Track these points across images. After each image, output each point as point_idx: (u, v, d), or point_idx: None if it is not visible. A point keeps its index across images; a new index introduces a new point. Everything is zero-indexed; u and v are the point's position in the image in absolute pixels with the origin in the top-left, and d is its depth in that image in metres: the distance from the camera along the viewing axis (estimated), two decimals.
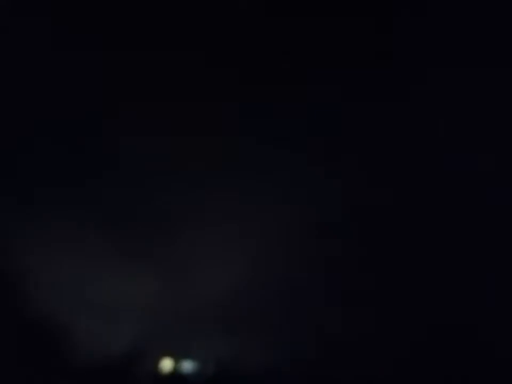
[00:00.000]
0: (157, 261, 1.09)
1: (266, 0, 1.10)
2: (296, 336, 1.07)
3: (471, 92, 1.08)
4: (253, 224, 1.09)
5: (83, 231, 1.09)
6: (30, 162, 1.11)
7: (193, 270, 1.09)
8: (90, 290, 1.08)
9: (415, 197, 1.09)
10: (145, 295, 1.07)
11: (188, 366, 1.04)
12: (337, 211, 1.09)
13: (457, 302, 1.06)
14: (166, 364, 1.05)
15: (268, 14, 1.10)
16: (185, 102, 1.11)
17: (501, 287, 1.06)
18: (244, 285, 1.07)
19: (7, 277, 1.09)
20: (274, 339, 1.06)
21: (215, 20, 1.10)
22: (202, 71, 1.10)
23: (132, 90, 1.10)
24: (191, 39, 1.11)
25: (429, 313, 1.07)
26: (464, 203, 1.08)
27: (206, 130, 1.10)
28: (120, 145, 1.11)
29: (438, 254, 1.08)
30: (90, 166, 1.11)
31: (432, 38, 1.09)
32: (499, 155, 1.08)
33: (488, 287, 1.06)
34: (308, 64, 1.10)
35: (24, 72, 1.12)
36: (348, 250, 1.08)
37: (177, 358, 1.05)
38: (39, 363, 1.06)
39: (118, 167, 1.11)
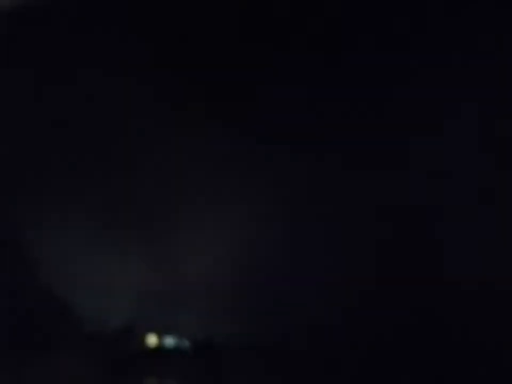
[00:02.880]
0: (148, 243, 1.14)
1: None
2: (283, 315, 1.11)
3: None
4: (243, 207, 1.12)
5: (78, 215, 1.14)
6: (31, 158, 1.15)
7: (182, 251, 1.14)
8: (85, 269, 1.14)
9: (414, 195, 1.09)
10: (136, 275, 1.13)
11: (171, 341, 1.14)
12: (324, 204, 1.11)
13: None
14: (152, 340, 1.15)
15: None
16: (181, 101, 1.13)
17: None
18: (232, 266, 1.12)
19: (9, 252, 1.16)
20: (260, 317, 1.11)
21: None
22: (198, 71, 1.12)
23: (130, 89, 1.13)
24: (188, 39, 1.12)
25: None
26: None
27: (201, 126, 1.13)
28: (116, 140, 1.14)
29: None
30: (85, 158, 1.15)
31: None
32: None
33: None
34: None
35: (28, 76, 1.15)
36: (335, 237, 1.10)
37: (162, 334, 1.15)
38: (39, 333, 1.14)
39: (111, 159, 1.15)
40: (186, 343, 1.14)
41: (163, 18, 1.11)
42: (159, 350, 1.14)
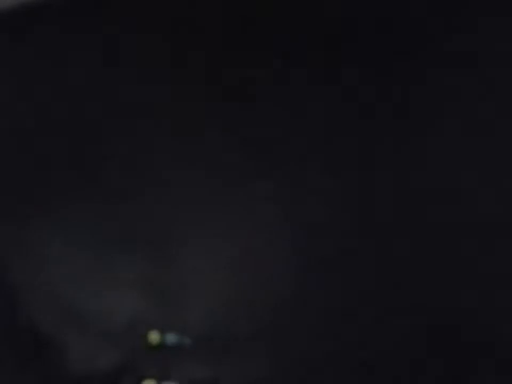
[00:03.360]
0: (151, 242, 1.16)
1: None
2: (284, 314, 1.12)
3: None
4: (244, 207, 1.14)
5: (81, 213, 1.15)
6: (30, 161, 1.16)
7: (184, 249, 1.15)
8: (86, 267, 1.16)
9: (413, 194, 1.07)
10: (138, 272, 1.15)
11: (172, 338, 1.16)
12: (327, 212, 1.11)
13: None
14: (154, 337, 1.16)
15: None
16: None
17: None
18: (234, 264, 1.14)
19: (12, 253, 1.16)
20: (261, 316, 1.13)
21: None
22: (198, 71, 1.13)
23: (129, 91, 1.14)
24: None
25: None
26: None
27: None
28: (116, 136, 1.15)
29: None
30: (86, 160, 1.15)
31: None
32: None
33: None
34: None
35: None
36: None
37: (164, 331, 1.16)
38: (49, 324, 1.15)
39: (114, 159, 1.15)
40: (188, 340, 1.15)
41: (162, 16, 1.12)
42: (161, 347, 1.16)
